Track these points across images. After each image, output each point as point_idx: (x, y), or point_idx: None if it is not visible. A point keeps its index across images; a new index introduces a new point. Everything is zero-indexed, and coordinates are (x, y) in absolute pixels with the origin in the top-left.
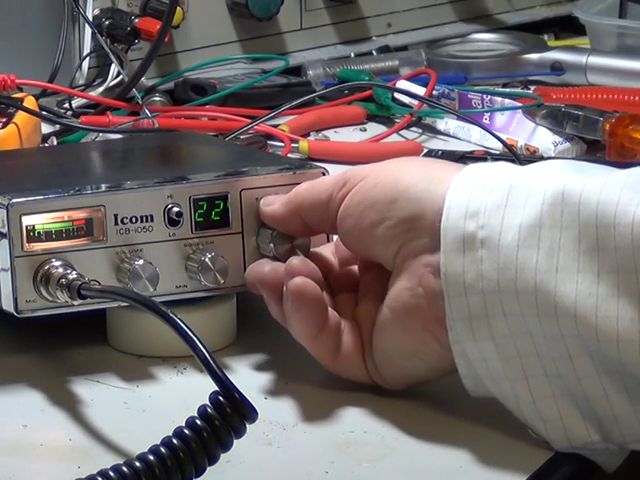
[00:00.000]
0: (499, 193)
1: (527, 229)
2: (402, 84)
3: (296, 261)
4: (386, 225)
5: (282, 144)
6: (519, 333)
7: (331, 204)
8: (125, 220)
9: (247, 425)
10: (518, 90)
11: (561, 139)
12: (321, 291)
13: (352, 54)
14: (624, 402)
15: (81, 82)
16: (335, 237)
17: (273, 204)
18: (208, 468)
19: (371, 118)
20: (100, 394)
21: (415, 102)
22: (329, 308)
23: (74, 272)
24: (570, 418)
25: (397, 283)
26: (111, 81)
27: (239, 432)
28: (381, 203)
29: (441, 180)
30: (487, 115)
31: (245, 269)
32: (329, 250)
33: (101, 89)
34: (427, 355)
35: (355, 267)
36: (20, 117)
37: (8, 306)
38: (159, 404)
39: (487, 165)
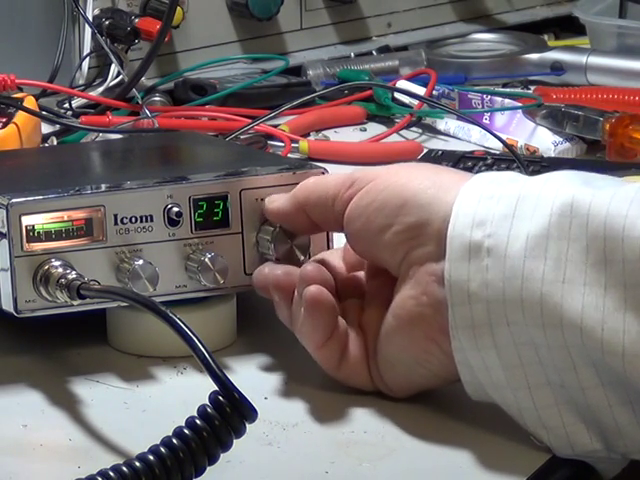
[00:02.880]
0: (507, 203)
1: (534, 239)
2: (402, 84)
3: (310, 267)
4: (394, 230)
5: (282, 144)
6: (522, 343)
7: (337, 202)
8: (125, 220)
9: (247, 425)
10: (518, 90)
11: (561, 139)
12: (334, 299)
13: (352, 54)
14: (628, 414)
15: (81, 82)
16: (335, 236)
17: (278, 200)
18: (208, 468)
19: (371, 118)
20: (100, 394)
21: (415, 102)
22: (338, 316)
23: (74, 272)
24: (573, 426)
25: (402, 291)
26: (111, 81)
27: (239, 432)
28: (390, 207)
29: (449, 188)
30: (487, 115)
31: (245, 269)
32: (337, 255)
33: (101, 89)
34: (430, 364)
35: (362, 273)
36: (20, 117)
37: (8, 306)
38: (159, 404)
39: (495, 175)
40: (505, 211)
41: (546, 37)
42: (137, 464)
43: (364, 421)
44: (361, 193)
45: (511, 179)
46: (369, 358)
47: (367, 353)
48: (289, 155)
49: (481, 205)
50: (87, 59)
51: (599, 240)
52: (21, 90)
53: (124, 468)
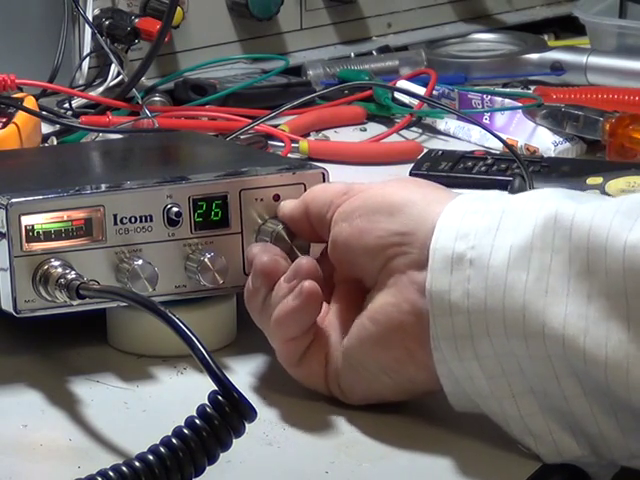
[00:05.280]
0: (491, 217)
1: (518, 251)
2: (402, 84)
3: (306, 261)
4: (378, 234)
5: (282, 144)
6: (503, 353)
7: (330, 210)
8: (124, 220)
9: (246, 424)
10: (518, 90)
11: (561, 139)
12: (322, 297)
13: (352, 54)
14: (612, 422)
15: (81, 82)
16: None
17: (291, 203)
18: (208, 468)
19: (371, 118)
20: (100, 394)
21: (415, 102)
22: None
23: (73, 272)
24: (559, 433)
25: (381, 297)
26: (111, 81)
27: (238, 431)
28: (376, 213)
29: (439, 202)
30: (487, 115)
31: (244, 269)
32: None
33: (101, 89)
34: (397, 373)
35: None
36: (20, 117)
37: (7, 306)
38: (159, 404)
39: (481, 193)
40: (489, 224)
41: (546, 37)
42: (137, 464)
43: (364, 421)
44: (350, 200)
45: (496, 197)
46: (328, 360)
47: (327, 355)
48: (289, 155)
49: (465, 219)
50: (87, 59)
51: (582, 251)
52: (21, 90)
53: (124, 468)
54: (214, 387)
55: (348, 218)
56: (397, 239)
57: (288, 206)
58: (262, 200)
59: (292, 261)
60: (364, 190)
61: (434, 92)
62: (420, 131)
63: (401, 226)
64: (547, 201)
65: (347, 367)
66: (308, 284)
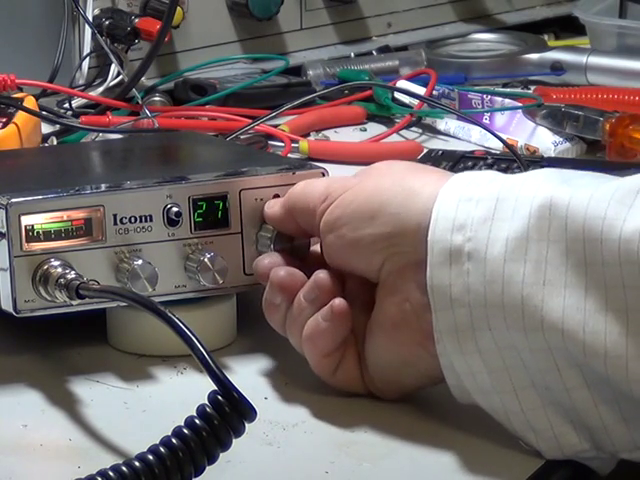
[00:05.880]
0: (486, 206)
1: (514, 242)
2: (402, 84)
3: (324, 276)
4: (366, 241)
5: (282, 144)
6: (504, 347)
7: (316, 216)
8: (124, 220)
9: (246, 424)
10: (518, 90)
11: (561, 139)
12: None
13: (352, 54)
14: (614, 412)
15: (81, 82)
16: None
17: (275, 206)
18: (208, 467)
19: (371, 118)
20: (100, 394)
21: (415, 102)
22: None
23: (73, 272)
24: (561, 427)
25: (383, 298)
26: (111, 81)
27: (238, 431)
28: (359, 220)
29: (418, 193)
30: (487, 115)
31: (244, 269)
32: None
33: (101, 89)
34: (418, 365)
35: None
36: (20, 117)
37: (7, 306)
38: (159, 404)
39: (473, 176)
40: (484, 214)
41: (546, 37)
42: (136, 464)
43: (364, 421)
44: (331, 207)
45: (490, 179)
46: (361, 363)
47: (359, 358)
48: (289, 155)
49: (460, 208)
50: (87, 59)
51: (579, 242)
52: (21, 90)
53: (124, 468)
54: (214, 387)
55: (334, 229)
56: (386, 243)
57: (273, 208)
58: (262, 200)
59: (296, 260)
60: (342, 194)
61: (434, 92)
62: (420, 131)
63: (386, 229)
64: (541, 187)
65: (374, 367)
66: (338, 303)
